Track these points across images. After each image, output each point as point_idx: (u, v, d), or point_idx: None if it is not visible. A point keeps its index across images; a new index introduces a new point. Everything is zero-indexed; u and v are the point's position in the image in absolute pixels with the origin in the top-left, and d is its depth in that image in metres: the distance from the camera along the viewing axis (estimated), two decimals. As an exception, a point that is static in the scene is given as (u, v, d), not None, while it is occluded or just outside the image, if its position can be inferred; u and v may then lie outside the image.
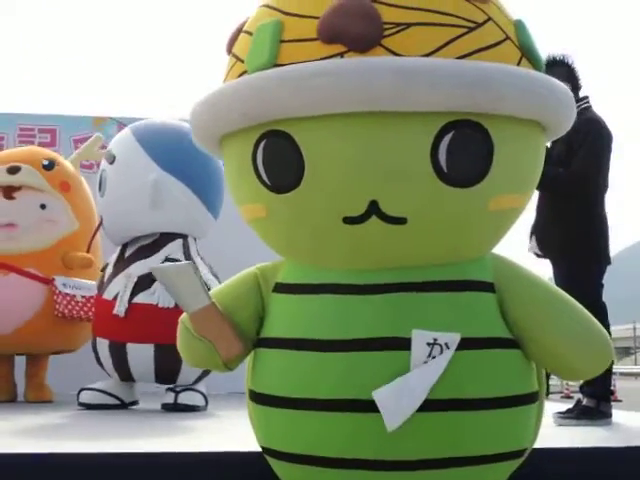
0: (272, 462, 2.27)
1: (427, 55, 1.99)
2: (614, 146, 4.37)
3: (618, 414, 4.37)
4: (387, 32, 2.00)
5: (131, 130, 5.26)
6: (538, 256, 4.43)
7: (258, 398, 2.22)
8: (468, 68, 1.98)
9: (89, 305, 5.52)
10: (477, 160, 2.05)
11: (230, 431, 3.78)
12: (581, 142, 4.19)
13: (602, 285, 4.29)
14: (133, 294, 4.85)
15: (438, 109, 1.98)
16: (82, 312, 5.51)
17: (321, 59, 2.01)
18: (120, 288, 4.89)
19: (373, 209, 2.03)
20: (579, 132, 4.13)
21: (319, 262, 2.18)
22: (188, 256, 4.87)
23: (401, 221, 2.04)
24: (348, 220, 2.06)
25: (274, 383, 2.17)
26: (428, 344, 2.01)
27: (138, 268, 4.93)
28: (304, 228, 2.15)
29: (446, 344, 2.02)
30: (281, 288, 2.25)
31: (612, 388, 4.60)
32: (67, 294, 5.50)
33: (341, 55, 2.00)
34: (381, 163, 2.00)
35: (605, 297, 4.23)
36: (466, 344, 2.03)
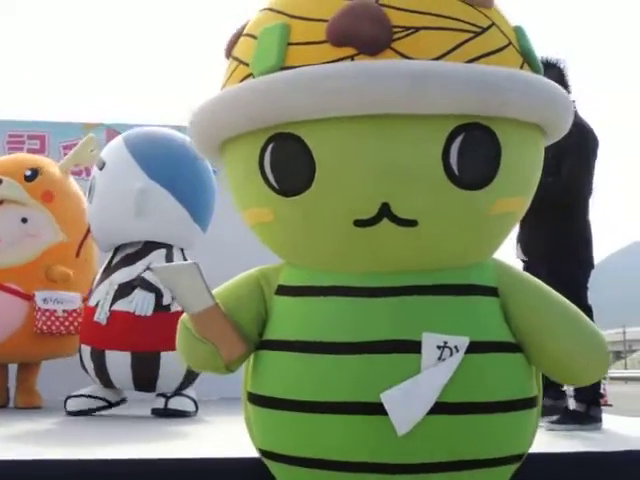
0: (274, 466, 2.24)
1: (436, 59, 2.01)
2: (600, 151, 4.38)
3: (608, 418, 4.37)
4: (397, 35, 2.01)
5: (123, 138, 5.26)
6: (524, 262, 4.44)
7: (261, 401, 2.20)
8: (480, 72, 2.01)
9: (70, 319, 5.50)
10: (486, 163, 2.08)
11: (221, 436, 3.77)
12: (570, 148, 4.19)
13: (587, 288, 4.31)
14: (113, 301, 4.85)
15: (449, 112, 2.00)
16: (62, 327, 5.47)
17: (331, 62, 2.01)
18: (102, 296, 4.90)
19: (385, 211, 2.04)
20: (569, 137, 4.14)
21: (328, 265, 2.17)
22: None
23: (412, 223, 2.05)
24: (359, 223, 2.06)
25: (282, 386, 2.14)
26: (438, 347, 2.02)
27: (120, 276, 4.94)
28: (313, 231, 2.14)
29: (456, 347, 2.03)
30: (285, 290, 2.24)
31: (602, 392, 4.59)
32: (47, 310, 5.46)
33: (351, 58, 2.01)
34: (393, 165, 2.01)
35: (595, 301, 4.24)
36: (473, 348, 2.04)
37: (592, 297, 4.28)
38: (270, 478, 2.28)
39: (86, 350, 4.97)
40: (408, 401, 1.98)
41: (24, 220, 5.57)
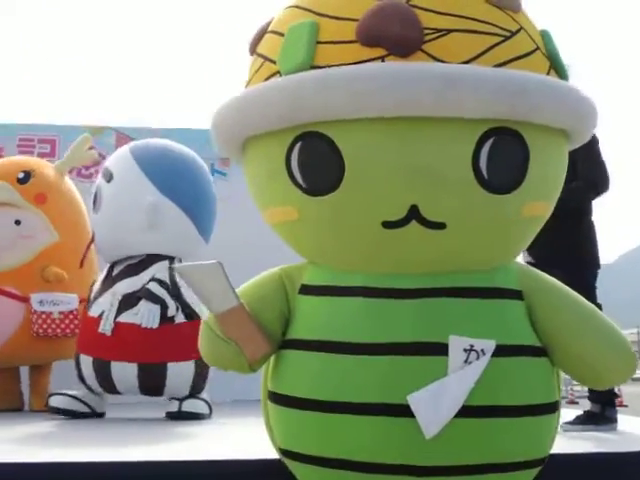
0: (296, 466, 2.24)
1: (466, 62, 2.01)
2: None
3: (623, 419, 4.34)
4: (427, 37, 2.01)
5: (130, 150, 5.25)
6: (531, 264, 4.43)
7: (283, 400, 2.20)
8: (510, 76, 2.02)
9: (67, 322, 5.52)
10: (514, 167, 2.08)
11: (236, 438, 3.72)
12: (581, 151, 4.19)
13: (596, 288, 4.32)
14: (118, 313, 4.86)
15: (479, 116, 2.01)
16: (59, 329, 5.49)
17: (361, 62, 2.01)
18: (106, 307, 4.90)
19: (413, 214, 2.04)
20: None
21: (354, 266, 2.17)
22: (172, 277, 4.90)
23: (440, 226, 2.06)
24: (388, 224, 2.06)
25: (305, 385, 2.15)
26: (465, 350, 2.03)
27: (123, 287, 4.94)
28: (340, 232, 2.14)
29: (482, 350, 2.03)
30: (308, 290, 2.24)
31: (617, 393, 4.55)
32: (43, 312, 5.48)
33: (382, 59, 2.01)
34: (423, 168, 2.01)
35: (608, 302, 4.22)
36: (499, 351, 2.05)
37: (604, 298, 4.26)
38: (289, 479, 2.27)
39: (87, 360, 4.94)
40: (436, 403, 1.99)
41: (17, 222, 5.59)
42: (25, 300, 5.51)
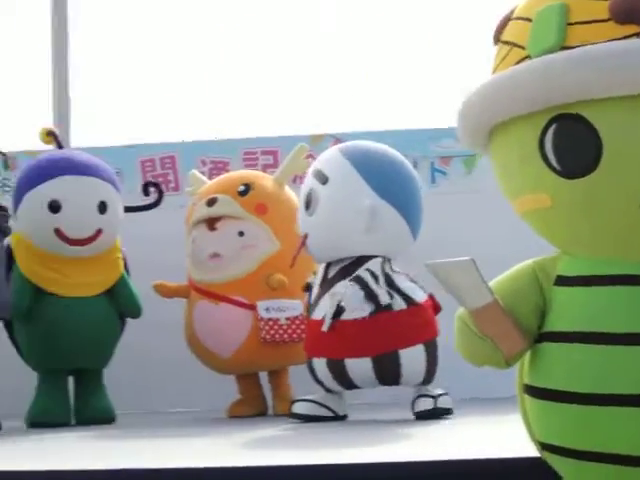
0: (553, 458, 2.19)
1: None
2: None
3: None
4: None
5: (342, 152, 5.29)
6: None
7: (541, 393, 2.16)
8: None
9: (293, 327, 5.58)
10: None
11: (482, 437, 3.63)
12: None
13: None
14: (339, 312, 4.92)
15: None
16: (286, 335, 5.56)
17: (614, 40, 1.95)
18: (326, 309, 4.95)
19: None
20: None
21: (610, 252, 2.10)
22: (384, 269, 4.90)
23: None
24: None
25: (564, 378, 2.09)
26: None
27: (341, 287, 4.94)
28: (596, 215, 2.07)
29: None
30: (563, 281, 2.18)
31: None
32: (270, 319, 5.57)
33: (637, 35, 1.94)
34: None
35: None
36: None
37: None
38: (545, 476, 2.25)
39: (319, 362, 5.03)
40: None
41: (241, 233, 5.70)
42: (252, 308, 5.62)
